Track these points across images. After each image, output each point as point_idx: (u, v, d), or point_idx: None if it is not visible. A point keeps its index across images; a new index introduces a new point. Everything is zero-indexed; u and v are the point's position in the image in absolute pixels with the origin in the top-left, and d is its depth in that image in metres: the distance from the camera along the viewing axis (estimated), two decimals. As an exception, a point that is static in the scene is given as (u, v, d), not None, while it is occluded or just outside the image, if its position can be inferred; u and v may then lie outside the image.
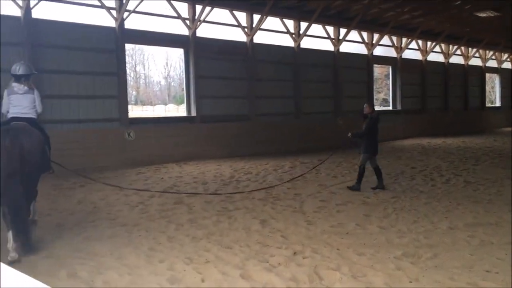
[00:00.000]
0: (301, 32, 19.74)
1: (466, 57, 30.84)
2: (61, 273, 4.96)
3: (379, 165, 10.23)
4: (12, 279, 1.31)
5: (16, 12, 12.59)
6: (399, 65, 25.53)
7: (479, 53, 32.04)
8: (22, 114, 6.25)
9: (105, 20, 14.43)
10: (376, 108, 27.47)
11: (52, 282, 4.62)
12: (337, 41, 21.63)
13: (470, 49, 30.84)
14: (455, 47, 28.85)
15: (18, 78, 6.39)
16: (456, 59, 30.22)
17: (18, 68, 6.40)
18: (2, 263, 1.42)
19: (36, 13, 12.95)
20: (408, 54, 26.38)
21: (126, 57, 15.40)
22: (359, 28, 22.19)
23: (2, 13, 12.31)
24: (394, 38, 25.09)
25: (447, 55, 28.97)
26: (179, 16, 15.81)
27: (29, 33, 12.67)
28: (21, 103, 6.29)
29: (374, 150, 10.02)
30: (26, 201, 5.79)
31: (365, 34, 23.25)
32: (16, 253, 5.40)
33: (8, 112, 6.37)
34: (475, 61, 32.06)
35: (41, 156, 6.02)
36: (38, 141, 5.97)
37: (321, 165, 12.57)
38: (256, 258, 5.42)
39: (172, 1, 15.65)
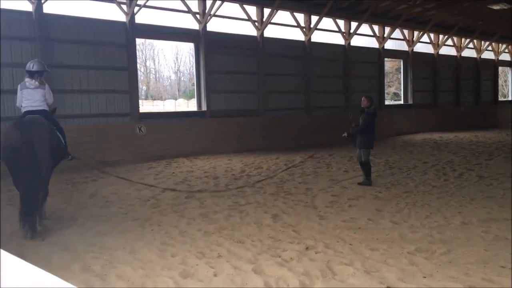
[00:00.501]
0: (311, 26, 19.62)
1: (479, 51, 30.49)
2: (75, 266, 4.99)
3: (361, 163, 9.99)
4: (17, 268, 1.30)
5: (28, 7, 12.64)
6: (410, 59, 25.31)
7: (492, 47, 31.65)
8: (34, 107, 6.75)
9: (116, 14, 14.45)
10: (387, 102, 27.39)
11: (65, 275, 4.65)
12: (348, 35, 21.48)
13: (483, 42, 30.47)
14: (468, 40, 28.51)
15: (31, 74, 6.88)
16: (469, 53, 29.88)
17: (32, 65, 6.90)
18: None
19: (47, 8, 13.00)
20: (419, 48, 26.12)
21: (137, 51, 15.41)
22: (370, 21, 22.00)
23: (14, 8, 12.38)
24: (406, 32, 24.84)
25: (459, 48, 28.65)
26: (189, 11, 15.78)
27: (41, 28, 12.72)
28: (32, 97, 6.79)
29: (372, 144, 9.84)
30: (39, 188, 6.24)
31: (376, 28, 23.05)
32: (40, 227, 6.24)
33: (21, 106, 6.90)
34: (488, 55, 31.69)
35: (53, 145, 6.42)
36: (48, 132, 6.36)
37: (332, 160, 12.52)
38: (268, 252, 5.41)
39: (182, -4, 15.62)
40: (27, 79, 6.88)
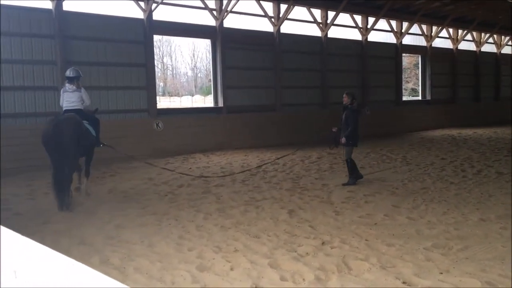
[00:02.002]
0: (328, 21, 19.53)
1: (499, 46, 29.98)
2: (94, 259, 5.09)
3: (347, 161, 9.59)
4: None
5: (48, 4, 12.84)
6: (429, 54, 25.02)
7: (513, 41, 31.12)
8: (71, 107, 8.27)
9: (134, 11, 14.59)
10: (405, 98, 27.12)
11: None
12: (365, 30, 21.33)
13: (503, 37, 29.95)
14: (487, 35, 28.05)
15: (70, 80, 8.36)
16: (488, 48, 29.40)
17: (70, 72, 8.39)
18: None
19: (67, 6, 13.19)
20: (438, 43, 25.80)
21: (154, 48, 15.55)
22: (388, 16, 21.81)
23: (34, 6, 12.60)
24: (424, 27, 24.55)
25: (479, 43, 28.21)
26: (206, 7, 15.85)
27: (60, 25, 12.91)
28: (70, 98, 8.31)
29: (356, 141, 9.52)
30: (67, 169, 7.49)
31: (394, 23, 22.83)
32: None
33: (62, 105, 8.45)
34: (508, 49, 31.15)
35: (80, 137, 7.69)
36: (74, 126, 7.62)
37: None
38: (284, 247, 5.44)
39: (199, -8, 15.70)
40: (66, 84, 8.40)
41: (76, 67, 8.99)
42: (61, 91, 8.56)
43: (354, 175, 9.48)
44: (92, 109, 8.99)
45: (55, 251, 1.42)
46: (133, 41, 14.53)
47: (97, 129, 8.55)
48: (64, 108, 8.40)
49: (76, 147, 7.60)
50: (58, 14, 12.90)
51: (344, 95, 9.66)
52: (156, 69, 22.44)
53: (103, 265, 4.92)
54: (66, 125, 7.57)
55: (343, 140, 9.32)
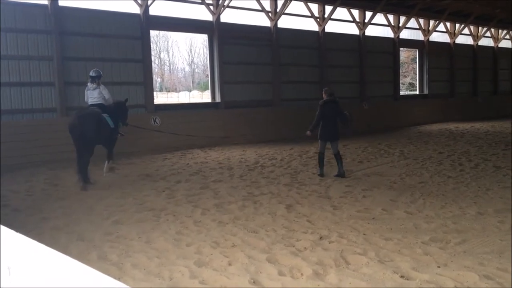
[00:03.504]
0: (325, 16, 19.50)
1: (496, 40, 29.97)
2: (92, 255, 5.09)
3: (340, 152, 10.11)
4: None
5: (43, 0, 12.78)
6: (426, 49, 25.01)
7: (510, 35, 31.08)
8: (94, 102, 9.75)
9: (130, 7, 14.53)
10: (402, 92, 27.14)
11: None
12: (362, 25, 21.29)
13: (500, 30, 29.95)
14: (485, 29, 28.04)
15: (92, 79, 9.82)
16: (486, 42, 29.39)
17: (92, 72, 9.89)
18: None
19: (62, 1, 13.13)
20: (435, 37, 25.80)
21: (151, 44, 15.49)
22: (385, 11, 21.78)
23: (30, 1, 12.54)
24: (421, 21, 24.53)
25: (476, 37, 28.20)
26: (202, 2, 15.80)
27: (56, 20, 12.86)
28: (92, 95, 9.82)
29: (324, 136, 9.92)
30: (85, 154, 8.99)
31: (391, 17, 22.81)
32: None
33: (87, 101, 9.94)
34: (505, 43, 31.15)
35: (99, 127, 9.13)
36: (93, 119, 9.09)
37: (346, 151, 12.48)
38: (282, 242, 5.44)
39: (196, -13, 15.64)
40: (89, 83, 9.90)
41: (96, 68, 10.35)
42: (86, 88, 9.98)
43: (341, 165, 9.87)
44: (123, 100, 10.68)
45: (52, 249, 1.41)
46: (130, 37, 14.48)
47: (116, 121, 9.93)
48: (89, 104, 9.84)
49: (94, 135, 9.02)
50: (54, 9, 12.84)
51: (323, 91, 10.29)
52: (153, 65, 22.39)
53: (101, 261, 4.91)
54: (86, 118, 9.04)
55: (308, 132, 10.21)
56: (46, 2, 12.82)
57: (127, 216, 6.83)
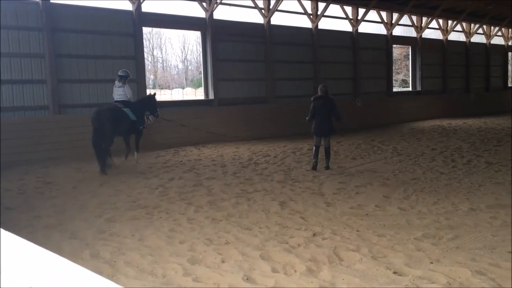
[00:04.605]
0: (318, 13, 19.49)
1: (488, 36, 30.12)
2: (85, 253, 5.07)
3: (330, 146, 10.69)
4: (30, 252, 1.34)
5: (35, -3, 12.69)
6: (419, 45, 25.07)
7: (502, 32, 31.24)
8: (118, 98, 10.98)
9: (123, 3, 14.44)
10: (395, 89, 27.24)
11: (76, 262, 4.71)
12: (355, 22, 21.31)
13: (492, 27, 30.09)
14: (477, 25, 28.16)
15: (120, 78, 11.07)
16: (478, 38, 29.53)
17: (121, 72, 11.12)
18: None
19: (54, -2, 13.04)
20: (428, 34, 25.87)
21: (144, 41, 15.42)
22: (378, 7, 21.80)
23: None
24: (414, 18, 24.58)
25: (468, 34, 28.32)
26: (195, -1, 15.73)
27: (48, 17, 12.75)
28: (118, 92, 11.05)
29: (316, 131, 10.32)
30: (103, 144, 10.19)
31: (384, 14, 22.83)
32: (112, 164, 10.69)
33: (114, 97, 11.14)
34: (498, 40, 31.31)
35: (118, 121, 10.37)
36: (112, 113, 10.32)
37: (339, 147, 12.51)
38: (275, 239, 5.45)
39: (188, -16, 15.56)
40: (116, 81, 11.17)
41: (124, 71, 11.31)
42: (113, 86, 11.28)
43: (328, 160, 10.39)
44: (151, 94, 12.11)
45: (44, 249, 1.40)
46: (122, 34, 14.39)
47: (139, 114, 10.99)
48: (114, 99, 11.07)
49: (112, 127, 10.22)
50: (46, 6, 12.74)
51: (319, 89, 10.54)
52: (146, 62, 22.31)
53: (94, 259, 4.90)
54: (106, 112, 10.27)
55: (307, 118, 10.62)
56: (37, -1, 12.72)
57: (120, 213, 6.81)
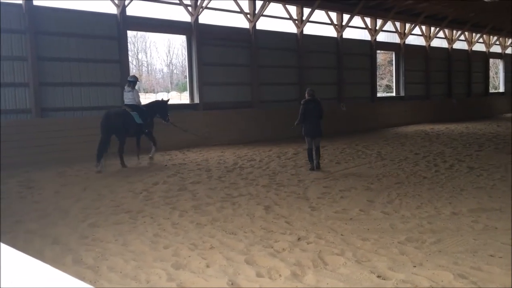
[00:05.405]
0: (304, 18, 19.60)
1: (470, 43, 30.61)
2: (67, 259, 5.00)
3: (320, 147, 11.11)
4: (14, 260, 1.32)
5: (18, -1, 12.54)
6: (402, 51, 25.38)
7: (483, 39, 31.78)
8: (127, 102, 11.73)
9: (107, 7, 14.35)
10: (379, 94, 27.51)
11: (58, 268, 4.65)
12: (340, 27, 21.48)
13: (474, 34, 30.59)
14: (459, 32, 28.60)
15: (129, 83, 11.87)
16: (460, 45, 29.99)
17: (130, 78, 11.96)
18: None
19: (37, 0, 12.89)
20: (411, 40, 26.20)
21: (128, 44, 15.33)
22: (363, 13, 22.03)
23: (3, 0, 12.26)
24: (398, 24, 24.88)
25: (451, 40, 28.75)
26: (181, 3, 15.71)
27: (31, 20, 12.62)
28: (127, 96, 11.77)
29: (306, 132, 10.79)
30: (107, 144, 10.96)
31: (368, 20, 23.08)
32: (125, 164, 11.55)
33: (124, 101, 11.95)
34: (479, 47, 31.83)
35: (125, 123, 11.23)
36: (119, 115, 11.24)
37: (324, 152, 12.57)
38: (260, 243, 5.44)
39: (174, -12, 15.54)
40: (125, 86, 11.96)
41: (133, 76, 12.14)
42: (123, 91, 12.05)
43: (318, 159, 10.88)
44: (162, 100, 12.95)
45: (26, 254, 1.38)
46: (107, 37, 14.30)
47: (144, 118, 11.70)
48: (125, 103, 11.82)
49: (120, 129, 11.10)
50: (29, 8, 12.61)
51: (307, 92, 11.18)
52: (131, 66, 22.18)
53: (76, 265, 4.84)
54: (113, 114, 11.16)
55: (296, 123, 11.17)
56: (20, 2, 12.57)
57: (103, 218, 6.74)
